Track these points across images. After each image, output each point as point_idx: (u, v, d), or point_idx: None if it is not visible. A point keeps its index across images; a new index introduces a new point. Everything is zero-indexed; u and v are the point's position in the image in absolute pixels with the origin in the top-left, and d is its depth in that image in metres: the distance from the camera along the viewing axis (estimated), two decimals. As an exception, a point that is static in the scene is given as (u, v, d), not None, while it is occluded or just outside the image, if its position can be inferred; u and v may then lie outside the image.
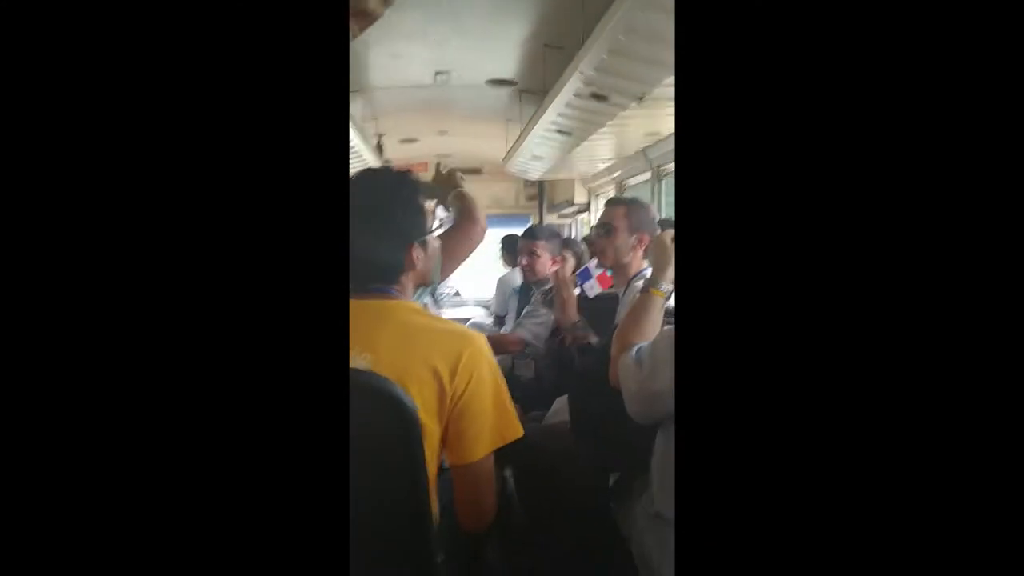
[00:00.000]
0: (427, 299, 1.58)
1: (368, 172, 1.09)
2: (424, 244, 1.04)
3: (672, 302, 1.66)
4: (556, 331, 2.03)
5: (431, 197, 1.12)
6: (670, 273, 1.16)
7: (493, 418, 0.95)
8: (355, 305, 0.82)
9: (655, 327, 1.13)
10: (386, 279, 1.00)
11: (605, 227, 1.73)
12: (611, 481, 1.29)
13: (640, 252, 1.72)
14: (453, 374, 0.92)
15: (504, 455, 1.69)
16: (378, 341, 0.92)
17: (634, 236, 1.70)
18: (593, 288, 1.75)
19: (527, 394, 1.98)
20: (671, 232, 1.19)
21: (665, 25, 1.36)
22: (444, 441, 0.94)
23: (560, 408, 1.82)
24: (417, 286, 1.08)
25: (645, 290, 1.16)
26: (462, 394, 0.93)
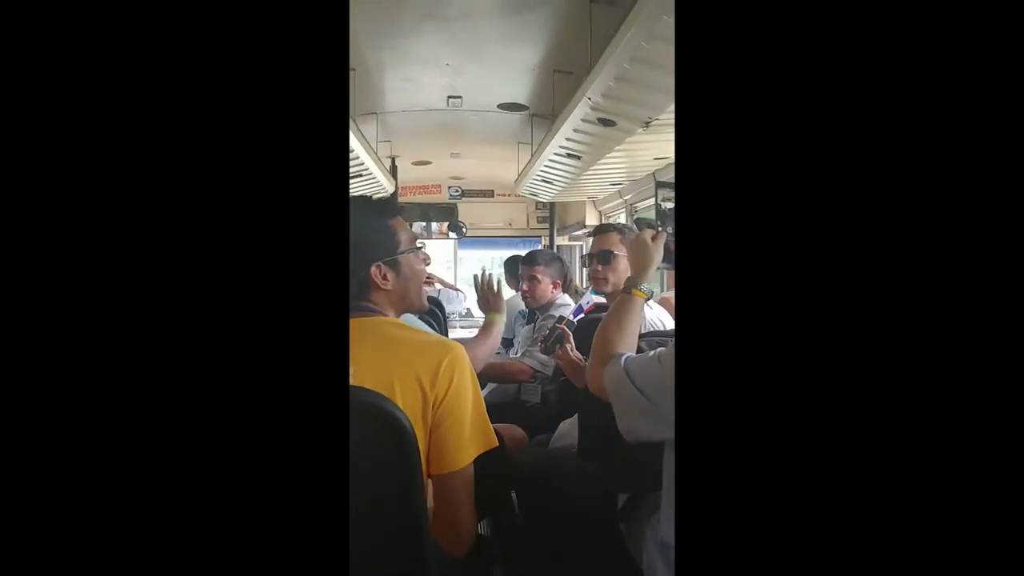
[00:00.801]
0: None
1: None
2: (393, 265, 1.05)
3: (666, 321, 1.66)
4: None
5: (406, 220, 1.13)
6: (651, 274, 1.17)
7: (473, 424, 0.97)
8: None
9: (636, 329, 1.15)
10: (362, 297, 1.03)
11: (603, 255, 1.74)
12: (620, 502, 1.28)
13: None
14: (434, 380, 0.94)
15: (508, 476, 1.70)
16: (360, 353, 0.92)
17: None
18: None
19: (532, 419, 1.98)
20: (650, 232, 1.20)
21: (669, 53, 1.39)
22: (427, 451, 0.95)
23: (565, 432, 1.81)
24: (400, 309, 1.09)
25: (627, 291, 1.16)
26: (443, 399, 0.94)
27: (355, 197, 1.12)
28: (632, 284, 1.16)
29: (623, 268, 1.72)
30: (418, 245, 1.12)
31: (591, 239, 1.87)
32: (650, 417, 0.97)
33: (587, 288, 2.10)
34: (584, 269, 2.04)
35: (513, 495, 1.79)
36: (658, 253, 1.17)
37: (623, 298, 1.16)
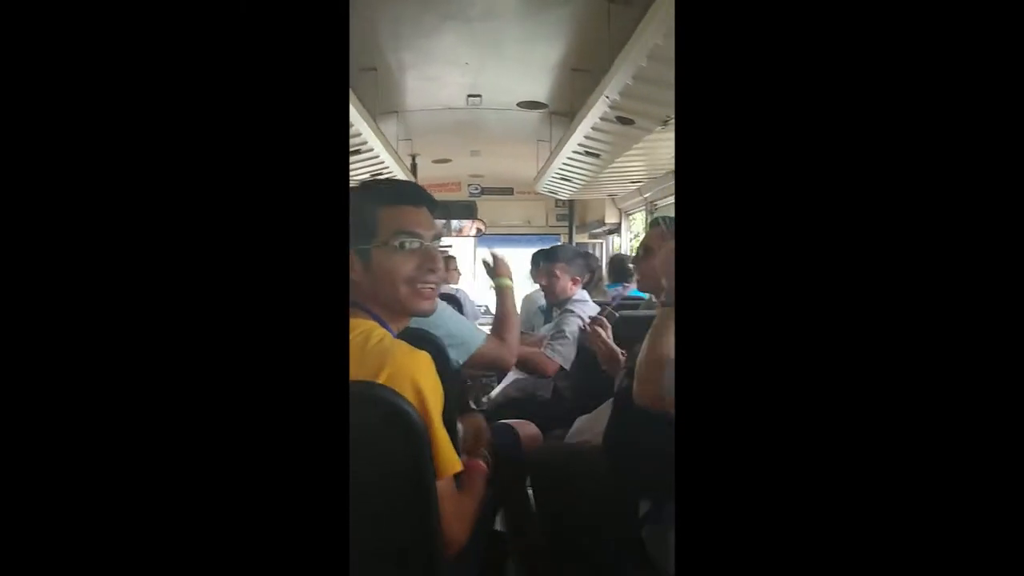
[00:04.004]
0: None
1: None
2: (365, 256, 0.95)
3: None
4: (583, 351, 2.04)
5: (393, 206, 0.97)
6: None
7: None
8: None
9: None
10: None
11: (645, 248, 1.73)
12: (643, 509, 1.27)
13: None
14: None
15: (524, 471, 1.70)
16: None
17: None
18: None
19: (546, 414, 1.99)
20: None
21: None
22: None
23: (581, 428, 1.81)
24: (380, 305, 0.97)
25: (667, 305, 1.10)
26: None
27: (364, 182, 1.05)
28: (671, 296, 1.09)
29: (660, 262, 1.70)
30: (403, 243, 0.97)
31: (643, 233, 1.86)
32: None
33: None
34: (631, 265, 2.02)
35: (530, 491, 1.80)
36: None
37: (665, 311, 1.10)
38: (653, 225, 1.79)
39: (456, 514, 0.93)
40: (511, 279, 1.72)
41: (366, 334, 0.91)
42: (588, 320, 1.80)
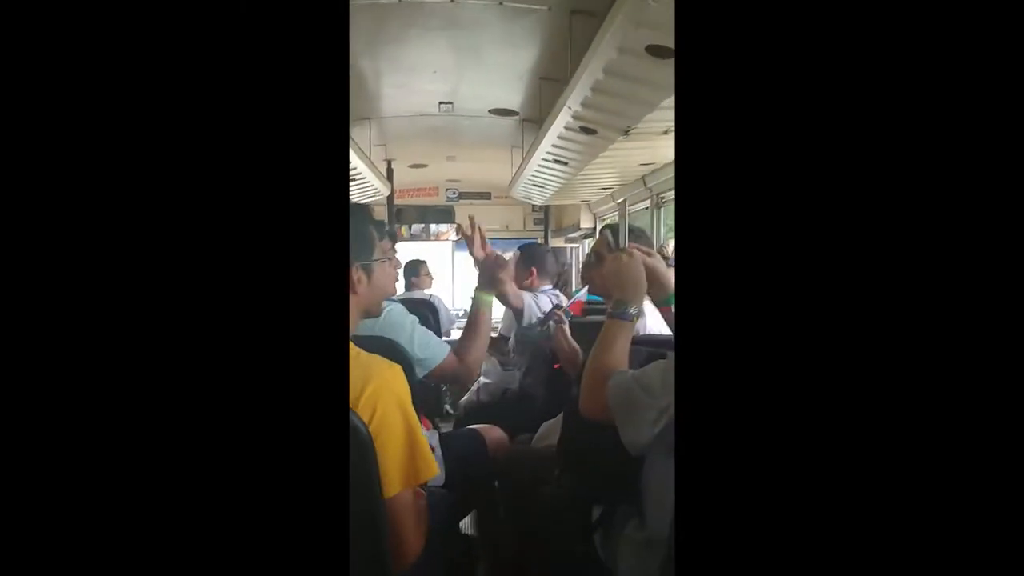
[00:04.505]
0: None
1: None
2: (367, 270, 1.05)
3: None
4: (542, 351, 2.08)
5: (403, 222, 1.14)
6: (635, 295, 1.08)
7: (402, 456, 0.91)
8: None
9: (625, 354, 1.08)
10: None
11: (596, 255, 1.76)
12: (595, 514, 1.29)
13: None
14: (355, 407, 0.87)
15: (491, 475, 1.72)
16: None
17: None
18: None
19: (513, 417, 2.01)
20: (635, 253, 1.12)
21: (640, 66, 1.42)
22: None
23: (547, 432, 1.84)
24: (361, 316, 1.08)
25: (613, 316, 1.08)
26: (368, 427, 0.87)
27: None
28: (617, 309, 1.07)
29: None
30: (389, 256, 1.13)
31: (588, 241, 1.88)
32: (660, 422, 0.93)
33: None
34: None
35: (497, 496, 1.82)
36: (638, 274, 1.09)
37: (609, 324, 1.08)
38: (601, 231, 1.82)
39: (419, 522, 0.97)
40: (495, 293, 1.66)
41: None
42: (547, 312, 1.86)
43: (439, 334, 2.56)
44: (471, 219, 1.80)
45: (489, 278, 1.65)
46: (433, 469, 0.95)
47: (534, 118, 2.94)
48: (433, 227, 4.90)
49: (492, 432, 1.81)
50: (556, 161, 2.60)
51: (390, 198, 4.19)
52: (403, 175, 4.29)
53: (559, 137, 2.22)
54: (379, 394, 0.90)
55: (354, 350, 0.95)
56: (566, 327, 1.85)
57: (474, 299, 1.63)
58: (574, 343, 1.82)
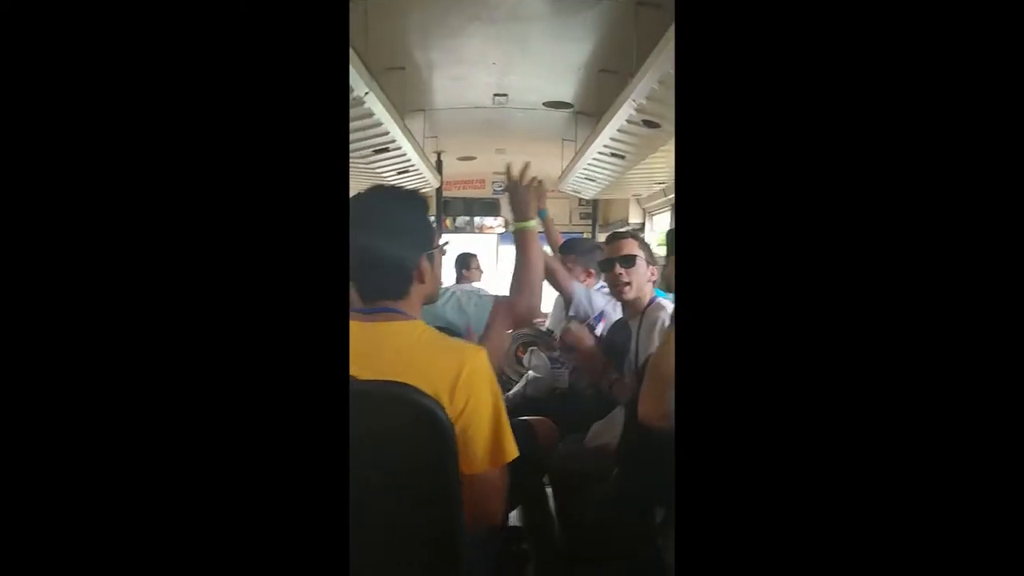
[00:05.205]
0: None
1: (377, 189, 1.10)
2: (431, 258, 1.07)
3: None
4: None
5: (449, 214, 1.16)
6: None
7: (489, 440, 0.95)
8: (358, 328, 0.85)
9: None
10: (395, 294, 1.02)
11: (626, 259, 1.74)
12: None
13: (650, 284, 1.76)
14: (452, 394, 0.92)
15: (542, 470, 1.71)
16: (381, 361, 0.93)
17: (650, 268, 1.75)
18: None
19: (562, 416, 1.99)
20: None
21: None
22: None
23: (598, 432, 1.82)
24: (423, 303, 1.09)
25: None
26: (461, 412, 0.93)
27: (407, 190, 1.14)
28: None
29: (643, 272, 1.74)
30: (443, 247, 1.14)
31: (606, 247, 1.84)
32: None
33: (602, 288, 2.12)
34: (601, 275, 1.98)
35: (549, 491, 1.81)
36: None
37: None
38: (614, 238, 1.82)
39: (503, 498, 1.01)
40: (539, 214, 1.43)
41: (417, 331, 1.01)
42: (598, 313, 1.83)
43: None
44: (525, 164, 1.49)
45: (523, 205, 1.38)
46: (515, 450, 0.98)
47: (589, 111, 2.91)
48: (478, 220, 4.90)
49: (543, 425, 1.80)
50: (613, 155, 2.56)
51: (439, 190, 4.21)
52: (451, 167, 4.31)
53: (619, 131, 2.19)
54: (473, 377, 0.94)
55: (437, 334, 1.01)
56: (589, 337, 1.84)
57: (515, 232, 1.36)
58: (599, 353, 1.82)
